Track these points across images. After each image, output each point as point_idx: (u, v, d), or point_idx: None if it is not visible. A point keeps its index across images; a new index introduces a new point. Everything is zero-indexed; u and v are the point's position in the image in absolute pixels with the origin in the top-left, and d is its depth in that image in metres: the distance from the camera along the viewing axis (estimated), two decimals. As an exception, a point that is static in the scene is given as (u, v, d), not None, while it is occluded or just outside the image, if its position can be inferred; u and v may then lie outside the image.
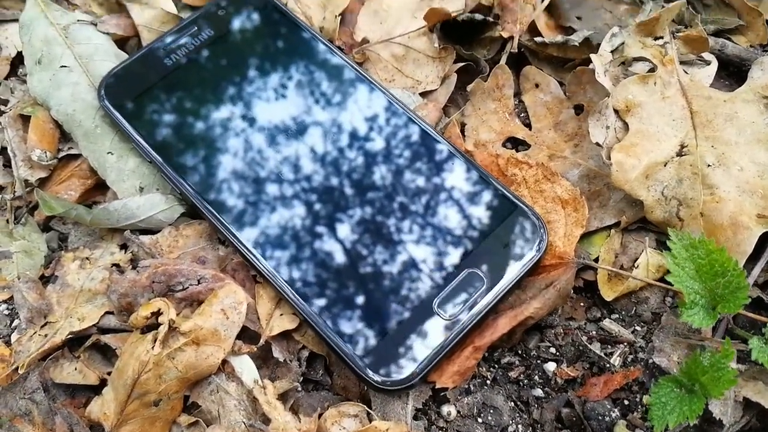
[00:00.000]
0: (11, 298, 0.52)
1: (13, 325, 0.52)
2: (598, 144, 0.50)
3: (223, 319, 0.44)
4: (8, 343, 0.50)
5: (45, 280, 0.53)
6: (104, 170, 0.53)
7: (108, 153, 0.53)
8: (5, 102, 0.58)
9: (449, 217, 0.48)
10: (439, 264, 0.47)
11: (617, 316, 0.49)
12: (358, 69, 0.55)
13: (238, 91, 0.54)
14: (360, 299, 0.46)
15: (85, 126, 0.54)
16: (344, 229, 0.48)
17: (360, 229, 0.48)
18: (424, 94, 0.57)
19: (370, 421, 0.43)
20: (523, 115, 0.57)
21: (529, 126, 0.55)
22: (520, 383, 0.46)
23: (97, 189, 0.55)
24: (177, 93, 0.53)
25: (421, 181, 0.50)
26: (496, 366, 0.47)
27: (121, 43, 0.60)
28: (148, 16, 0.60)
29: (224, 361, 0.44)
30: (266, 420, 0.43)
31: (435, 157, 0.51)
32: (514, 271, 0.46)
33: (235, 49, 0.56)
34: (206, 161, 0.51)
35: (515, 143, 0.56)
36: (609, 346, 0.47)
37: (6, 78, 0.61)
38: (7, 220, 0.55)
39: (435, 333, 0.44)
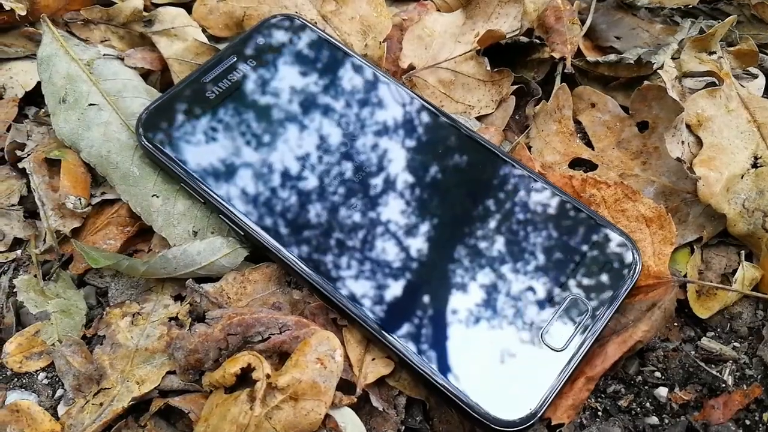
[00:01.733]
0: (51, 365, 0.46)
1: (57, 395, 0.45)
2: (679, 159, 0.49)
3: (321, 369, 0.40)
4: (56, 416, 0.44)
5: (87, 341, 0.47)
6: (149, 215, 0.48)
7: (153, 196, 0.49)
8: (22, 146, 0.53)
9: (542, 243, 0.46)
10: (539, 293, 0.44)
11: (713, 333, 0.47)
12: (414, 93, 0.52)
13: (292, 120, 0.50)
14: (464, 336, 0.42)
15: (123, 168, 0.49)
16: (437, 263, 0.45)
17: (455, 261, 0.45)
18: (479, 119, 0.55)
19: (492, 468, 0.40)
20: (580, 135, 0.56)
21: (591, 146, 0.54)
22: (632, 412, 0.44)
23: (139, 236, 0.50)
24: (224, 125, 0.49)
25: (509, 208, 0.47)
26: (603, 396, 0.45)
27: (143, 77, 0.56)
28: (177, 48, 0.56)
29: (326, 416, 0.40)
30: (380, 478, 0.39)
31: (516, 183, 0.48)
32: (614, 294, 0.44)
33: (281, 77, 0.52)
34: (270, 197, 0.47)
35: (580, 164, 0.54)
36: (714, 365, 0.45)
37: (16, 120, 0.55)
38: (35, 276, 0.49)
39: (547, 367, 0.42)
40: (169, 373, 0.44)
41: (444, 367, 0.41)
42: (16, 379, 0.46)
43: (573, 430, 0.43)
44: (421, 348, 0.42)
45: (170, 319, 0.46)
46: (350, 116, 0.50)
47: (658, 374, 0.45)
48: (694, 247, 0.50)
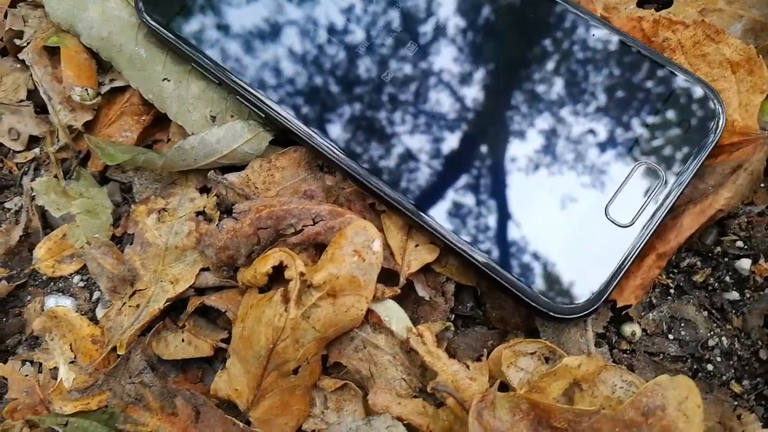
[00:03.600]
0: (84, 267, 0.45)
1: (94, 297, 0.44)
2: (775, -14, 0.40)
3: (359, 261, 0.36)
4: (94, 320, 0.43)
5: (117, 240, 0.45)
6: (163, 102, 0.44)
7: (163, 80, 0.44)
8: (20, 34, 0.48)
9: (606, 101, 0.39)
10: (604, 160, 0.38)
11: (807, 193, 0.41)
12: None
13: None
14: (517, 213, 0.38)
15: (128, 50, 0.44)
16: (485, 130, 0.39)
17: (504, 128, 0.39)
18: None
19: (548, 357, 0.37)
20: (651, -35, 0.46)
21: (664, -23, 0.45)
22: (710, 287, 0.39)
23: (157, 125, 0.46)
24: (234, -6, 0.43)
25: (565, 60, 0.40)
26: (676, 271, 0.40)
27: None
28: None
29: (368, 311, 0.37)
30: (430, 373, 0.36)
31: (573, 28, 0.41)
32: (692, 157, 0.38)
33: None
34: (292, 71, 0.41)
35: (651, 1, 0.46)
36: (807, 231, 0.40)
37: (11, 6, 0.50)
38: (56, 176, 0.46)
39: (612, 244, 0.37)
40: (202, 270, 0.42)
41: (493, 251, 0.37)
42: (52, 284, 0.45)
43: (641, 311, 0.39)
44: (467, 231, 0.37)
45: (197, 213, 0.43)
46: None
47: (740, 244, 0.40)
48: (789, 91, 0.42)
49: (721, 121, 0.39)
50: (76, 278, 0.45)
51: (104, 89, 0.46)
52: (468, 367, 0.36)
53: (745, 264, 0.39)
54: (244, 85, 0.41)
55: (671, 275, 0.40)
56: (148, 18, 0.43)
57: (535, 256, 0.37)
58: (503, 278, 0.37)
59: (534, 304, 0.36)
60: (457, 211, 0.38)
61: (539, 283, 0.36)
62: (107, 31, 0.44)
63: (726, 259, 0.40)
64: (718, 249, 0.40)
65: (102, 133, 0.45)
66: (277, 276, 0.38)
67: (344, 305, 0.36)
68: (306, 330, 0.36)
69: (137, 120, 0.45)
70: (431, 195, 0.38)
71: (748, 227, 0.40)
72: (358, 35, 0.42)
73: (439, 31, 0.42)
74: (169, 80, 0.44)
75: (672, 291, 0.39)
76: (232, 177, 0.42)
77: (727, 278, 0.39)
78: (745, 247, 0.40)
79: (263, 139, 0.42)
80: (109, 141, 0.44)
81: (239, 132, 0.42)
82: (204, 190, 0.44)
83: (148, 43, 0.44)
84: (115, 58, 0.44)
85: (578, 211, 0.37)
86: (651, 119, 0.39)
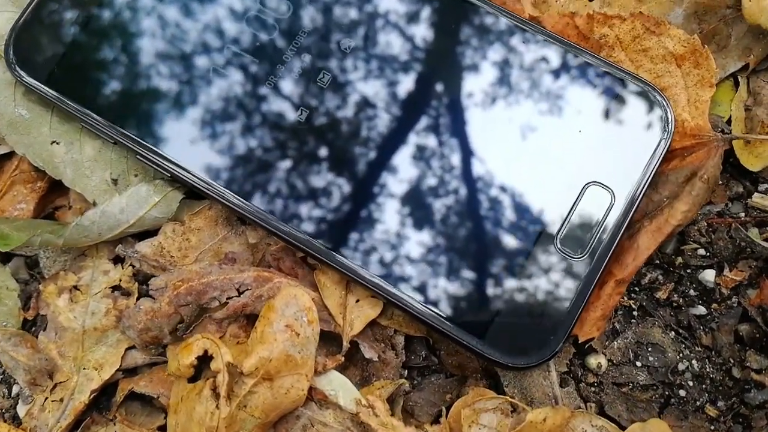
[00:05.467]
0: (-3, 360, 0.40)
1: (13, 392, 0.40)
2: (715, -33, 0.36)
3: (293, 337, 0.33)
4: (16, 419, 0.39)
5: (30, 324, 0.40)
6: (55, 168, 0.39)
7: (52, 143, 0.39)
8: None
9: (541, 119, 0.36)
10: (548, 187, 0.35)
11: (767, 187, 0.38)
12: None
13: (212, 6, 0.38)
14: (460, 258, 0.34)
15: (6, 113, 0.39)
16: (414, 165, 0.35)
17: (435, 160, 0.35)
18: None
19: (514, 409, 0.34)
20: (580, -54, 0.42)
21: (594, -40, 0.41)
22: (674, 304, 0.37)
23: (55, 191, 0.41)
24: (124, 33, 0.38)
25: (492, 76, 0.36)
26: (638, 289, 0.37)
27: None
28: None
29: (311, 388, 0.34)
30: (386, 445, 0.33)
31: (498, 38, 0.37)
32: (642, 168, 0.35)
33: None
34: (196, 120, 0.36)
35: (582, -11, 0.41)
36: (770, 229, 0.37)
37: None
38: (-50, 261, 0.41)
39: (568, 279, 0.34)
40: (129, 348, 0.38)
41: (440, 303, 0.34)
42: (-37, 382, 0.40)
43: (605, 340, 0.36)
44: (408, 283, 0.34)
45: (113, 288, 0.39)
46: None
47: (702, 252, 0.37)
48: (739, 78, 0.39)
49: (670, 125, 0.35)
50: (-9, 373, 0.40)
51: (-12, 159, 0.40)
52: (427, 431, 0.34)
53: (709, 276, 0.36)
54: (142, 144, 0.36)
55: (633, 295, 0.37)
56: (22, 74, 0.38)
57: (485, 305, 0.34)
58: (453, 333, 0.33)
59: (489, 357, 0.33)
60: (396, 263, 0.34)
61: (492, 334, 0.33)
62: (-21, 93, 0.39)
63: (689, 271, 0.37)
64: (680, 260, 0.37)
65: (-7, 208, 0.40)
66: (206, 360, 0.34)
67: (283, 387, 0.33)
68: (244, 420, 0.32)
69: (31, 188, 0.40)
70: (363, 247, 0.35)
71: (709, 232, 0.37)
72: (261, 70, 0.37)
73: (355, 52, 0.37)
74: (58, 143, 0.39)
75: (635, 313, 0.37)
76: (144, 247, 0.37)
77: (692, 291, 0.37)
78: (708, 254, 0.37)
79: (173, 200, 0.38)
80: (2, 218, 0.39)
81: (144, 196, 0.37)
82: (118, 259, 0.39)
83: (29, 102, 0.39)
84: (-7, 123, 0.39)
85: (526, 247, 0.34)
86: (593, 131, 0.35)
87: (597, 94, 0.36)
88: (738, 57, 0.38)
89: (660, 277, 0.37)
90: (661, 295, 0.37)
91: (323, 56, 0.37)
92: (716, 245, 0.37)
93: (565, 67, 0.36)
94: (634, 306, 0.37)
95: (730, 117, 0.38)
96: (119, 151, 0.39)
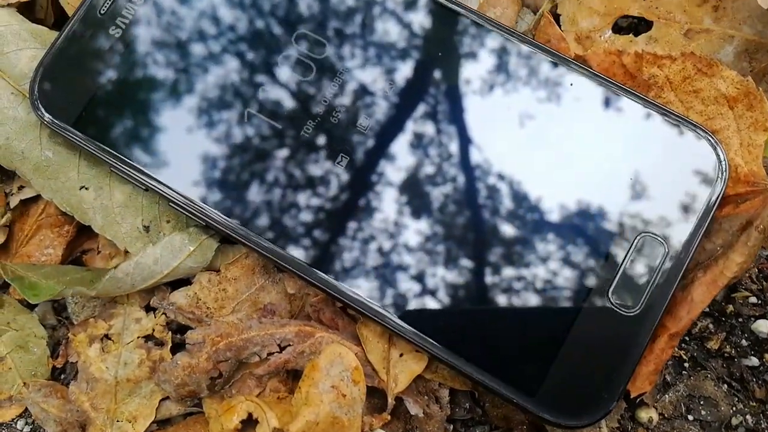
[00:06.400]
0: (27, 410, 0.39)
1: (44, 444, 0.39)
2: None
3: (339, 399, 0.32)
4: (48, 473, 0.38)
5: (59, 372, 0.39)
6: (84, 213, 0.37)
7: (81, 188, 0.37)
8: None
9: (592, 168, 0.35)
10: (599, 239, 0.34)
11: (820, 230, 0.37)
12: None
13: (247, 47, 0.36)
14: (508, 315, 0.33)
15: (32, 156, 0.38)
16: (456, 220, 0.34)
17: (477, 216, 0.34)
18: (482, -18, 0.40)
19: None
20: (623, -23, 0.41)
21: (640, -7, 0.40)
22: (726, 355, 0.36)
23: (83, 234, 0.40)
24: (151, 73, 0.36)
25: (541, 123, 0.35)
26: (688, 339, 0.36)
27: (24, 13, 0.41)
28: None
29: (357, 450, 0.33)
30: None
31: (546, 82, 0.35)
32: (697, 217, 0.34)
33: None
34: (232, 168, 0.35)
35: (628, 28, 0.40)
36: (825, 276, 0.36)
37: None
38: (-25, 307, 0.40)
39: (620, 335, 0.33)
40: (163, 399, 0.37)
41: (487, 362, 0.33)
42: (-8, 434, 0.39)
43: (656, 393, 0.35)
44: (453, 339, 0.33)
45: (146, 338, 0.38)
46: (329, 39, 0.36)
47: (753, 300, 0.36)
48: (791, 117, 0.38)
49: (724, 171, 0.34)
50: (20, 423, 0.39)
51: (13, 202, 0.39)
52: (476, 492, 0.33)
53: (762, 326, 0.35)
54: (174, 193, 0.35)
55: (683, 345, 0.36)
56: (48, 117, 0.36)
57: (535, 362, 0.32)
58: (502, 391, 0.32)
59: (541, 416, 0.32)
60: (444, 318, 0.33)
61: (544, 393, 0.32)
62: (3, 136, 0.37)
63: (740, 320, 0.36)
64: (731, 308, 0.36)
65: (20, 253, 0.39)
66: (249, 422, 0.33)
67: (330, 450, 0.32)
68: (290, 485, 0.31)
69: (58, 233, 0.39)
70: (410, 302, 0.33)
71: (760, 278, 0.36)
72: (298, 116, 0.36)
73: (407, 90, 0.36)
74: (87, 188, 0.37)
75: (686, 364, 0.36)
76: (179, 298, 0.36)
77: (744, 341, 0.36)
78: (759, 302, 0.36)
79: (208, 249, 0.36)
80: (29, 264, 0.38)
81: (178, 246, 0.36)
82: (150, 307, 0.38)
83: (56, 145, 0.38)
84: (19, 167, 0.38)
85: (576, 303, 0.33)
86: (644, 178, 0.34)
87: (647, 138, 0.35)
88: (791, 96, 0.37)
89: (711, 326, 0.36)
90: (713, 345, 0.36)
91: (362, 102, 0.36)
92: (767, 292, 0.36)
93: (613, 111, 0.35)
94: (685, 357, 0.36)
95: (783, 159, 0.37)
96: (150, 196, 0.37)
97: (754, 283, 0.36)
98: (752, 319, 0.36)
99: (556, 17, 0.39)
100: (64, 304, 0.40)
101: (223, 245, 0.37)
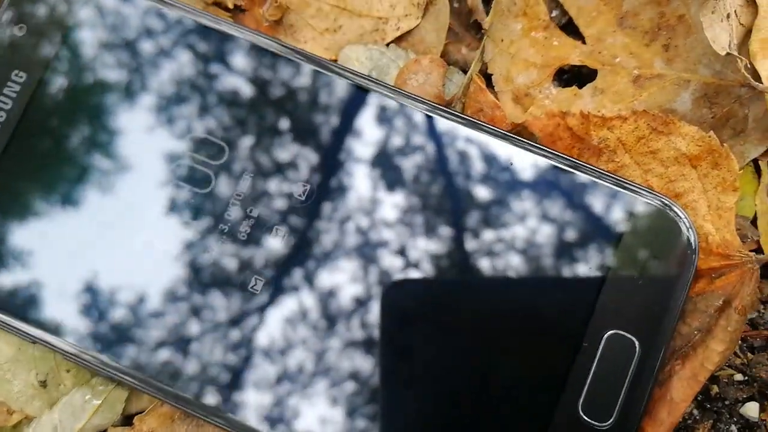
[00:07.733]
0: None
1: None
2: (728, 53, 0.30)
3: None
4: None
5: None
6: (-32, 372, 0.32)
7: (-42, 345, 0.32)
8: None
9: (544, 262, 0.30)
10: (563, 344, 0.29)
11: (803, 287, 0.33)
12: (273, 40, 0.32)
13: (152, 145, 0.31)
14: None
15: None
16: (407, 358, 0.30)
17: (418, 325, 0.30)
18: (400, 40, 0.35)
19: None
20: (561, 23, 0.36)
21: (579, 37, 0.35)
22: (716, 445, 0.32)
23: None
24: (22, 189, 0.31)
25: (482, 216, 0.30)
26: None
27: None
28: None
29: None
30: None
31: (483, 164, 0.31)
32: (667, 305, 0.29)
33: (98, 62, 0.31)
34: (136, 308, 0.30)
35: (570, 79, 0.35)
36: (817, 345, 0.32)
37: None
38: None
39: (597, 452, 0.29)
40: None
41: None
42: None
43: (643, 501, 0.31)
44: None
45: (61, 505, 0.32)
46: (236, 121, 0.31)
47: (739, 377, 0.32)
48: (760, 163, 0.33)
49: (693, 245, 0.30)
50: None
51: None
52: None
53: (751, 410, 0.32)
54: (65, 345, 0.30)
55: (667, 437, 0.32)
56: None
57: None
58: None
59: None
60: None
61: None
62: None
63: (727, 403, 0.32)
64: (715, 389, 0.32)
65: None
66: None
67: None
68: None
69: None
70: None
71: (745, 350, 0.32)
72: (198, 244, 0.30)
73: (323, 194, 0.31)
74: (-35, 344, 0.32)
75: (673, 461, 0.32)
76: (92, 463, 0.31)
77: (733, 427, 0.32)
78: (746, 379, 0.32)
79: (117, 401, 0.31)
80: None
81: (80, 405, 0.31)
82: (62, 466, 0.33)
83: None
84: None
85: (547, 420, 0.29)
86: (606, 269, 0.30)
87: (607, 220, 0.30)
88: (758, 141, 0.33)
89: (696, 413, 0.32)
90: (700, 435, 0.32)
91: (272, 208, 0.30)
92: (755, 366, 0.32)
93: (561, 190, 0.30)
94: (670, 452, 0.32)
95: (755, 213, 0.33)
96: (41, 349, 0.32)
97: (738, 357, 0.32)
98: (740, 402, 0.32)
99: (488, 77, 0.34)
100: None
101: (135, 393, 0.32)
